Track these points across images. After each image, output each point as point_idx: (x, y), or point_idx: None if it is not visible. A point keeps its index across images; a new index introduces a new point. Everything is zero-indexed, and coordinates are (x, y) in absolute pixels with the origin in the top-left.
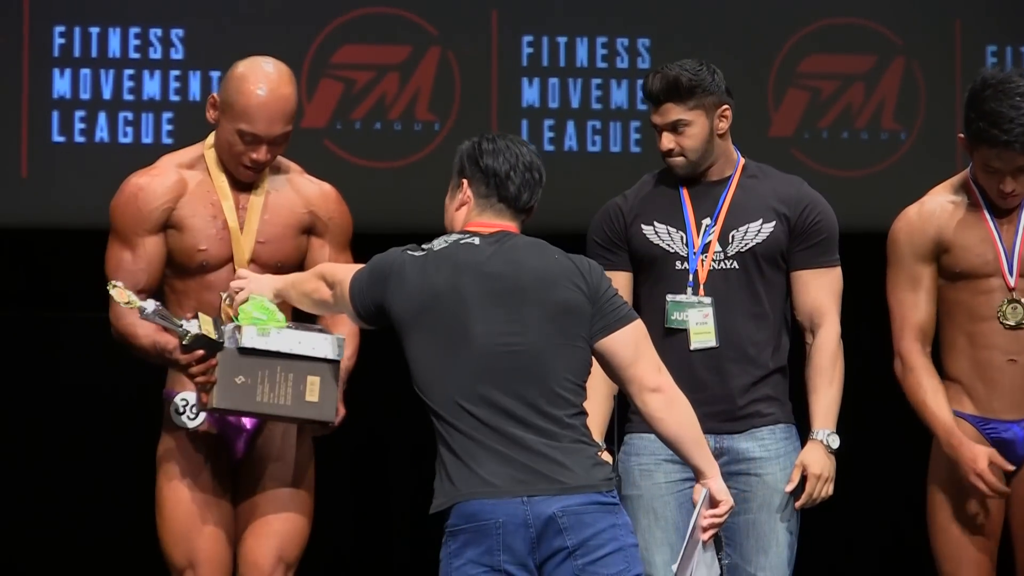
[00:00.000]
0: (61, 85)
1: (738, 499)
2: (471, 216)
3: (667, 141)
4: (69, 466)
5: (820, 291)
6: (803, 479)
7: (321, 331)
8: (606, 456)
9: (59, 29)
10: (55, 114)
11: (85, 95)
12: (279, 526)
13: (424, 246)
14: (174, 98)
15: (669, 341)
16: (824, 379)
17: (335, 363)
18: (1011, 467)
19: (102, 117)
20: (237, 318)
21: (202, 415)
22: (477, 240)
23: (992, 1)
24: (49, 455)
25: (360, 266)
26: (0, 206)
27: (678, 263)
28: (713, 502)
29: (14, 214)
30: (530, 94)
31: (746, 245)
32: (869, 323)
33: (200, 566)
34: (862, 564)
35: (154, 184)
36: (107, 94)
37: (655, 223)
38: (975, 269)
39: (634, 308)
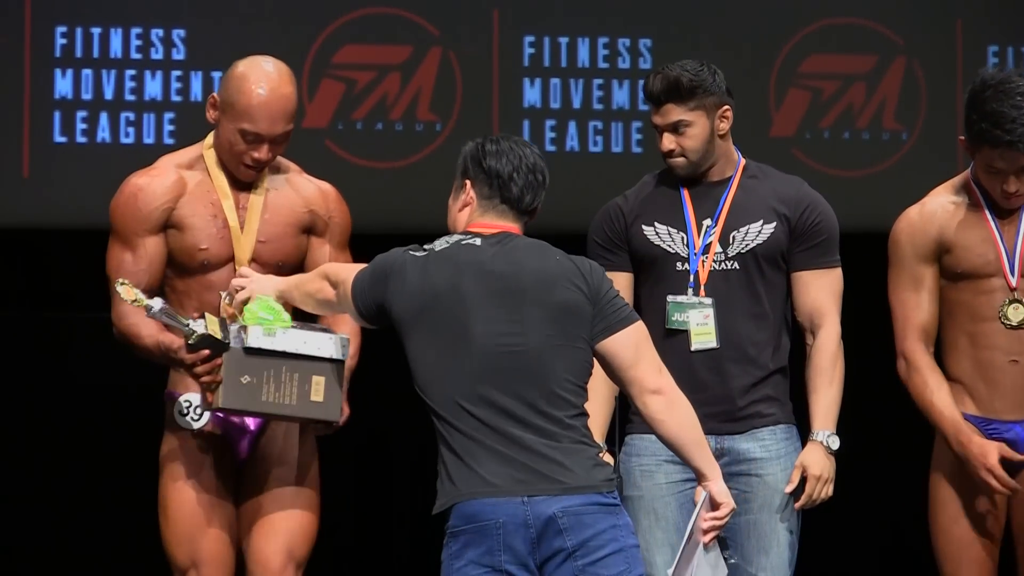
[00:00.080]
0: (63, 85)
1: (739, 499)
2: (474, 217)
3: (668, 142)
4: (69, 466)
5: (820, 292)
6: (803, 480)
7: (325, 331)
8: (607, 457)
9: (61, 29)
10: (57, 114)
11: (87, 95)
12: (287, 524)
13: (426, 246)
14: (176, 98)
15: (670, 342)
16: (824, 380)
17: (340, 363)
18: (1022, 457)
19: (104, 117)
20: (243, 317)
21: (206, 416)
22: (478, 241)
23: (993, 1)
24: (49, 455)
25: (363, 266)
26: (2, 206)
27: (679, 264)
28: (714, 504)
29: (16, 214)
30: (532, 94)
31: (747, 246)
32: (870, 323)
33: (203, 567)
34: (862, 564)
35: (154, 184)
36: (109, 94)
37: (656, 224)
38: (976, 269)
39: (634, 309)
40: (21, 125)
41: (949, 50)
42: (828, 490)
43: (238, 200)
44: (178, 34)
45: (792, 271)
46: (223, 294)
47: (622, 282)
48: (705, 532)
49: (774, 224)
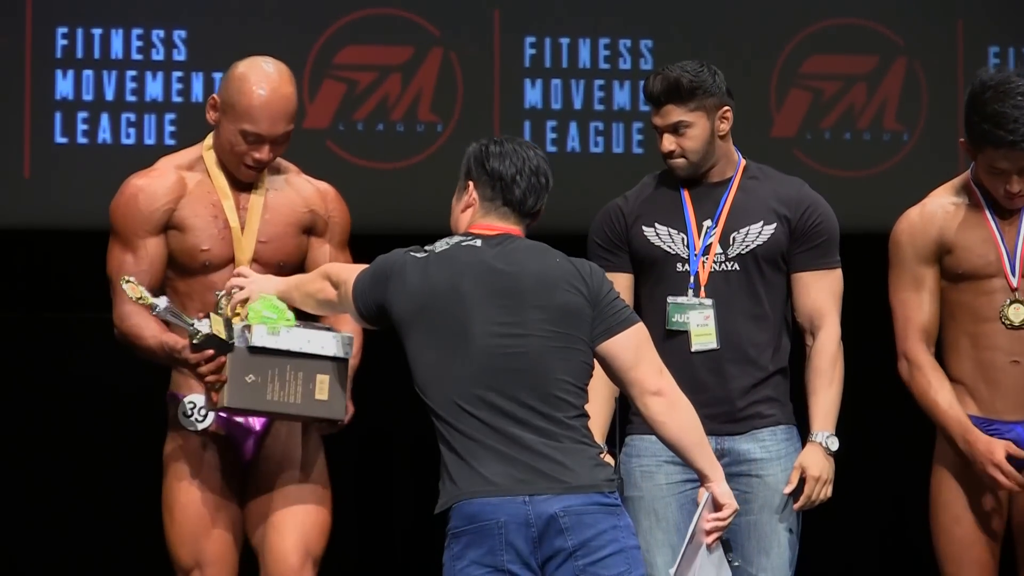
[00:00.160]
0: (64, 86)
1: (739, 500)
2: (476, 218)
3: (668, 143)
4: (69, 467)
5: (820, 293)
6: (802, 481)
7: (329, 329)
8: (608, 458)
9: (62, 30)
10: (58, 115)
11: (88, 96)
12: (301, 520)
13: (427, 247)
14: (177, 99)
15: (670, 343)
16: (824, 381)
17: (344, 361)
18: None
19: (105, 118)
20: (246, 317)
21: (210, 417)
22: (479, 242)
23: (994, 2)
24: (49, 456)
25: (364, 266)
26: (3, 207)
27: (679, 265)
28: (716, 505)
29: (16, 215)
30: (533, 95)
31: (747, 247)
32: (870, 324)
33: (207, 567)
34: (862, 564)
35: (154, 185)
36: (110, 95)
37: (656, 225)
38: (977, 270)
39: (635, 310)
40: (22, 126)
41: (950, 50)
42: (827, 491)
43: (238, 201)
44: (179, 35)
45: (792, 272)
46: (219, 293)
47: (622, 283)
48: (708, 533)
49: (774, 225)
